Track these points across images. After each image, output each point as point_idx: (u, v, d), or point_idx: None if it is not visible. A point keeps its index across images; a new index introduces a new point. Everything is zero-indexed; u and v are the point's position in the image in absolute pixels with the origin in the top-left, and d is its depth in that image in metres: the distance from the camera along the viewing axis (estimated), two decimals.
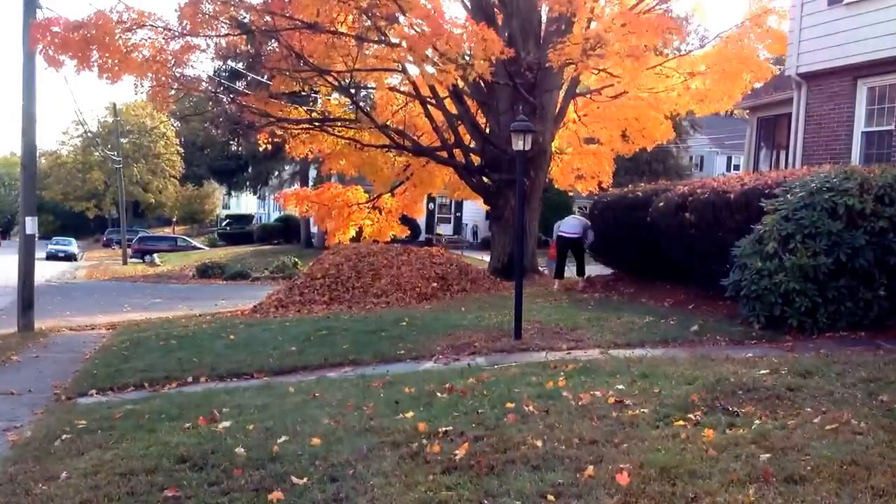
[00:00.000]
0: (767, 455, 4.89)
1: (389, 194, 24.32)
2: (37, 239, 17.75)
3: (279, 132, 21.57)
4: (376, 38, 17.99)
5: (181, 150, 73.02)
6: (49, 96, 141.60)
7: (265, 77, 21.25)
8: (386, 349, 10.21)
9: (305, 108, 22.70)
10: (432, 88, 19.32)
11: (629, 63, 16.47)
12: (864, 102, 13.32)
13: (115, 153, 53.72)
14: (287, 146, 22.78)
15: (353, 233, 23.78)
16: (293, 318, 14.96)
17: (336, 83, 19.82)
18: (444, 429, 5.89)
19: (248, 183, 64.56)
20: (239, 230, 66.63)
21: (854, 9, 13.21)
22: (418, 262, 17.87)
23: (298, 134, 22.06)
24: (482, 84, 18.92)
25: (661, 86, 20.05)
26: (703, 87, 19.66)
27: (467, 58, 16.68)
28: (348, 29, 18.62)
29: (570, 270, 17.35)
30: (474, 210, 40.93)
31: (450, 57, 16.07)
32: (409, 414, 6.46)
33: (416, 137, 21.64)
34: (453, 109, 20.20)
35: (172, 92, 19.43)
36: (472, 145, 20.73)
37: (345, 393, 7.59)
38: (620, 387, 6.85)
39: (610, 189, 20.93)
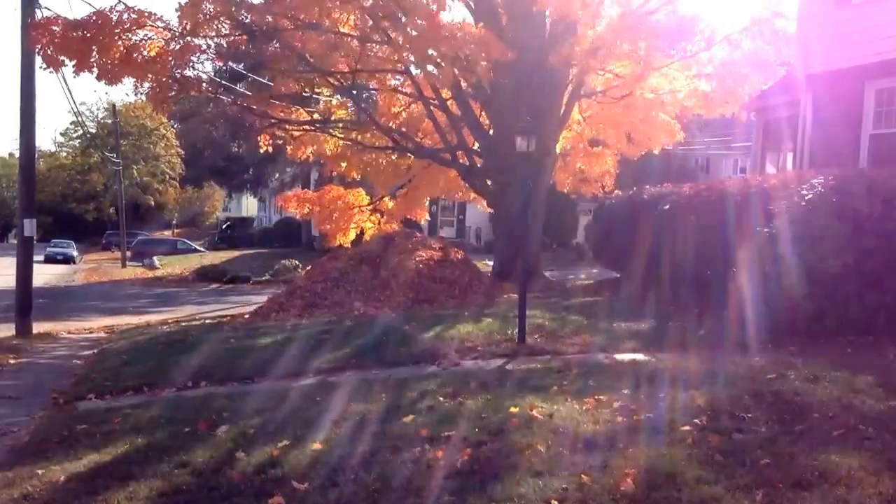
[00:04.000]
0: (774, 460, 4.84)
1: (391, 197, 24.27)
2: (35, 241, 17.68)
3: (280, 134, 21.51)
4: (378, 39, 17.93)
5: (181, 152, 73.05)
6: (48, 97, 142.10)
7: (266, 78, 21.20)
8: (388, 353, 10.13)
9: (307, 109, 22.64)
10: (435, 90, 19.25)
11: (633, 65, 16.41)
12: (871, 104, 13.23)
13: (115, 155, 53.70)
14: (288, 148, 22.71)
15: (353, 235, 23.71)
16: (294, 321, 14.90)
17: (338, 83, 19.76)
18: (446, 434, 5.82)
19: (248, 185, 64.57)
20: (239, 233, 66.52)
21: (862, 10, 13.14)
22: (421, 265, 17.79)
23: (300, 136, 22.00)
24: (485, 85, 18.86)
25: (667, 87, 19.97)
26: (710, 88, 19.57)
27: (467, 60, 16.63)
28: (350, 29, 18.56)
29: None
30: (477, 213, 40.83)
31: (451, 58, 16.02)
32: (412, 418, 6.40)
33: (418, 139, 21.58)
34: (456, 111, 20.13)
35: (173, 93, 19.36)
36: (476, 147, 20.65)
37: (346, 397, 7.52)
38: (625, 391, 6.79)
39: (615, 192, 20.84)
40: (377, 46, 18.58)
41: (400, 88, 21.72)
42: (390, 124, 21.26)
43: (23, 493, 5.39)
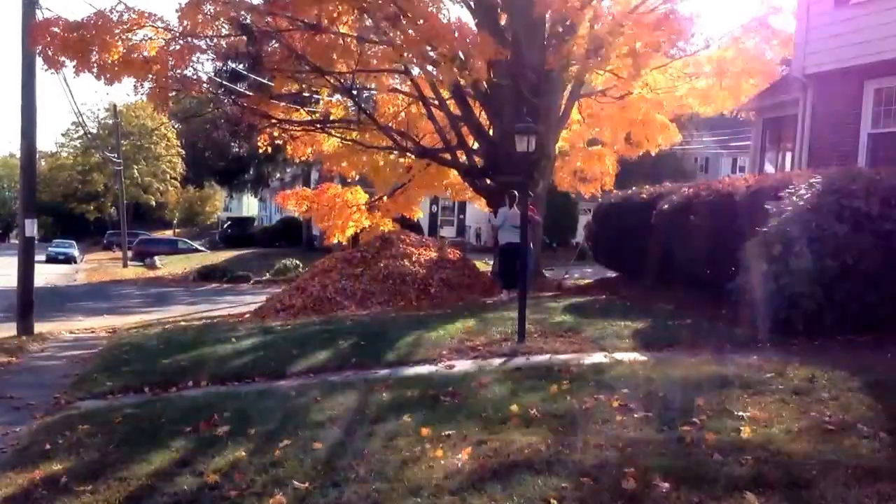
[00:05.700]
0: (773, 459, 4.85)
1: (389, 196, 24.32)
2: (36, 241, 17.70)
3: (279, 133, 21.53)
4: (377, 39, 17.94)
5: (182, 152, 73.01)
6: (49, 98, 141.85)
7: (266, 78, 21.24)
8: (388, 352, 10.14)
9: (307, 109, 22.68)
10: (435, 90, 19.27)
11: (633, 64, 16.43)
12: (870, 104, 13.24)
13: (116, 155, 53.69)
14: (288, 148, 22.75)
15: (351, 232, 23.76)
16: (294, 320, 14.90)
17: (338, 83, 19.78)
18: (446, 433, 5.84)
19: (249, 185, 64.45)
20: (240, 233, 66.39)
21: (861, 9, 13.16)
22: (421, 265, 17.79)
23: (300, 136, 22.03)
24: (485, 85, 18.87)
25: (666, 86, 20.00)
26: (708, 87, 19.61)
27: (463, 59, 16.62)
28: (349, 29, 18.58)
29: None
30: (477, 212, 40.91)
31: (449, 57, 16.04)
32: (412, 418, 6.41)
33: (418, 139, 21.60)
34: (456, 111, 20.15)
35: (173, 94, 19.38)
36: (475, 147, 20.67)
37: (347, 396, 7.54)
38: (625, 391, 6.79)
39: (614, 191, 20.86)
40: (377, 46, 18.59)
41: (399, 88, 21.74)
42: (390, 124, 21.27)
43: (24, 493, 5.42)
